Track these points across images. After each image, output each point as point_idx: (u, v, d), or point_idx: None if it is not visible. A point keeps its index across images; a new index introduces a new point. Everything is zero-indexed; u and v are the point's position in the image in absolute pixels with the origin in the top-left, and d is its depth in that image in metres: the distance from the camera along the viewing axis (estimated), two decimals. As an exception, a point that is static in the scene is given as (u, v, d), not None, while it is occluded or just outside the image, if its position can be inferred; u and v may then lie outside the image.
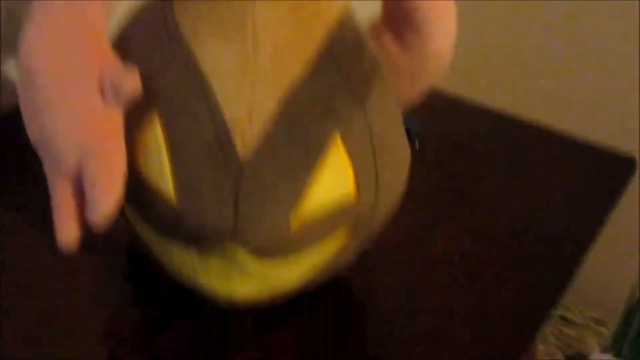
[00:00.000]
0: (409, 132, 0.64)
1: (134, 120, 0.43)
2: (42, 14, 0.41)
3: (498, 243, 0.59)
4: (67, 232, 0.43)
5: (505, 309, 0.53)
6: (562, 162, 0.69)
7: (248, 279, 0.46)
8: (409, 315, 0.52)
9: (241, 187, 0.42)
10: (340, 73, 0.43)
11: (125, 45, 0.44)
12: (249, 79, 0.41)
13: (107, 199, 0.41)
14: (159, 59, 0.42)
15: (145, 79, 0.41)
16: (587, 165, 0.69)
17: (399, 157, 0.48)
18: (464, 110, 0.76)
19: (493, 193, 0.65)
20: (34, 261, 0.53)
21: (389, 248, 0.57)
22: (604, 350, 1.10)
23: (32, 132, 0.43)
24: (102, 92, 0.41)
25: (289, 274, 0.47)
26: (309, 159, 0.42)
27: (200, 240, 0.43)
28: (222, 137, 0.41)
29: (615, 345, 1.07)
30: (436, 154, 0.69)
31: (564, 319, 1.30)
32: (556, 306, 0.55)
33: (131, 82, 0.40)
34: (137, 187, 0.44)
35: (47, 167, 0.43)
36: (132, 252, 0.55)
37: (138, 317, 0.50)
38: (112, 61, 0.41)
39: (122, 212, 0.47)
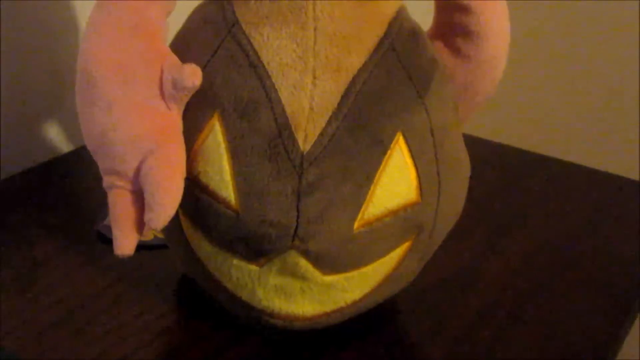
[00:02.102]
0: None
1: (193, 124, 0.42)
2: (101, 16, 0.41)
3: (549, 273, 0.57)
4: (126, 240, 0.41)
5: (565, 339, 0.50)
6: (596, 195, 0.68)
7: (309, 293, 0.44)
8: (472, 342, 0.49)
9: (303, 186, 0.40)
10: (401, 66, 0.42)
11: (184, 44, 0.44)
12: (310, 73, 0.40)
13: (167, 201, 0.40)
14: (219, 56, 0.41)
15: (206, 78, 0.41)
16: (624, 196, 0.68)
17: (459, 164, 0.46)
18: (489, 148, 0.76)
19: (536, 225, 0.63)
20: (75, 292, 0.51)
21: (447, 272, 0.55)
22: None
23: (91, 138, 0.42)
24: (162, 89, 0.40)
25: (350, 288, 0.44)
26: (373, 157, 0.41)
27: (261, 248, 0.41)
28: (284, 133, 0.40)
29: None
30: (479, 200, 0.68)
31: None
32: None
33: (192, 77, 0.40)
34: (195, 194, 0.42)
35: (106, 175, 0.42)
36: (185, 278, 0.53)
37: (190, 347, 0.48)
38: (172, 59, 0.41)
39: (177, 226, 0.45)
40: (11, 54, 0.69)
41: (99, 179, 0.42)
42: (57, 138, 0.76)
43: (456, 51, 0.48)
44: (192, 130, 0.42)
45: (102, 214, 0.59)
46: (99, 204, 0.59)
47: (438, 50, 0.48)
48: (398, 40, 0.42)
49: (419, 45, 0.43)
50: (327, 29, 0.40)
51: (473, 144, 0.52)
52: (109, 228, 0.55)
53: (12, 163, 0.70)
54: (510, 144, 0.77)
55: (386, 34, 0.42)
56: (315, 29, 0.40)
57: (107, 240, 0.56)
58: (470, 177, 0.48)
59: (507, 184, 0.70)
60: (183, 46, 0.43)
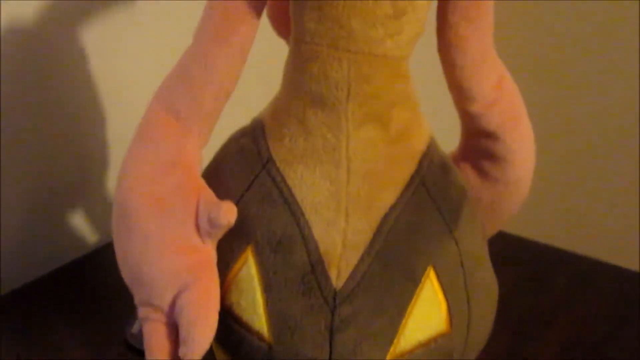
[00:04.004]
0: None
1: (226, 255, 0.43)
2: (139, 149, 0.43)
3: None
4: None
5: None
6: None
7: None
8: None
9: (336, 322, 0.41)
10: (431, 202, 0.43)
11: (218, 175, 0.45)
12: (343, 210, 0.41)
13: (202, 337, 0.40)
14: (253, 191, 0.42)
15: (240, 212, 0.41)
16: None
17: (488, 291, 0.47)
18: (528, 248, 0.76)
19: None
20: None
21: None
22: None
23: (127, 269, 0.43)
24: (198, 225, 0.41)
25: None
26: (405, 293, 0.41)
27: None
28: (317, 269, 0.41)
29: None
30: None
31: None
32: None
33: (227, 215, 0.41)
34: (228, 325, 0.43)
35: (141, 307, 0.43)
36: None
37: None
38: (208, 194, 0.42)
39: (210, 356, 0.45)
40: (38, 142, 0.70)
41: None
42: (84, 230, 0.77)
43: (483, 173, 0.49)
44: (226, 261, 0.43)
45: (132, 318, 0.60)
46: (129, 304, 0.60)
47: (465, 171, 0.49)
48: (428, 175, 0.43)
49: (448, 177, 0.44)
50: (359, 168, 0.41)
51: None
52: (138, 337, 0.56)
53: (36, 264, 0.70)
54: (532, 238, 0.78)
55: (417, 170, 0.43)
56: (348, 169, 0.41)
57: (136, 350, 0.57)
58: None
59: (530, 281, 0.70)
60: (217, 177, 0.44)
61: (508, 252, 0.74)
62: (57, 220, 0.74)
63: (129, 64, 0.76)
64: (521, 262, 0.73)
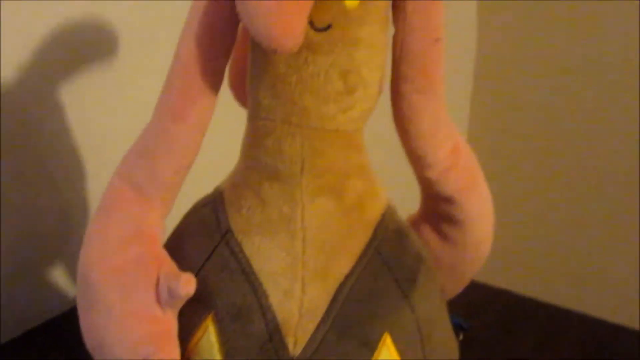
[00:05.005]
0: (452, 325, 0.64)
1: (187, 324, 0.44)
2: (102, 220, 0.44)
3: None
4: None
5: None
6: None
7: None
8: None
9: None
10: (386, 269, 0.44)
11: (179, 246, 0.46)
12: (299, 279, 0.42)
13: (162, 406, 0.41)
14: (213, 261, 0.44)
15: (200, 281, 0.43)
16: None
17: (447, 352, 0.48)
18: (500, 298, 0.77)
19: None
20: None
21: None
22: None
23: (90, 339, 0.43)
24: (158, 295, 0.42)
25: None
26: (360, 358, 0.42)
27: None
28: (275, 338, 0.42)
29: None
30: (481, 345, 0.69)
31: None
32: None
33: (186, 286, 0.42)
34: (189, 392, 0.44)
35: None
36: None
37: None
38: (169, 265, 0.43)
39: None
40: (19, 196, 0.71)
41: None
42: (66, 285, 0.77)
43: (443, 236, 0.50)
44: (187, 329, 0.44)
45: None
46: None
47: (425, 233, 0.50)
48: (383, 243, 0.44)
49: (404, 245, 0.45)
50: (315, 239, 0.43)
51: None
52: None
53: (17, 320, 0.71)
54: (501, 287, 0.78)
55: (372, 239, 0.44)
56: (303, 239, 0.42)
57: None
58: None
59: (501, 330, 0.71)
60: (179, 247, 0.46)
61: (480, 300, 0.75)
62: (38, 274, 0.75)
63: (109, 117, 0.78)
64: (492, 311, 0.74)
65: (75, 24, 0.72)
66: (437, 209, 0.49)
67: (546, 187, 1.29)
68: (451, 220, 0.49)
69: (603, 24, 1.15)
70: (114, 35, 0.76)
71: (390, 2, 0.43)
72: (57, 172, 0.75)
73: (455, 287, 0.53)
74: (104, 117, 0.77)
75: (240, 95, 0.50)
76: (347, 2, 0.40)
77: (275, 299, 0.42)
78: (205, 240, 0.44)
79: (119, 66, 0.77)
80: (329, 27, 0.40)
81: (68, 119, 0.74)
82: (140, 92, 0.78)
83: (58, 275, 0.76)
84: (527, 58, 1.25)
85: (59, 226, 0.76)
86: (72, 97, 0.73)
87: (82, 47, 0.74)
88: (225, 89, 0.46)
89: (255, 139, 0.43)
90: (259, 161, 0.43)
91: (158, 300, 0.42)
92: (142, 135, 0.44)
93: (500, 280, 0.80)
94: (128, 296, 0.42)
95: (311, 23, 0.40)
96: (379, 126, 0.49)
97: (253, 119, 0.43)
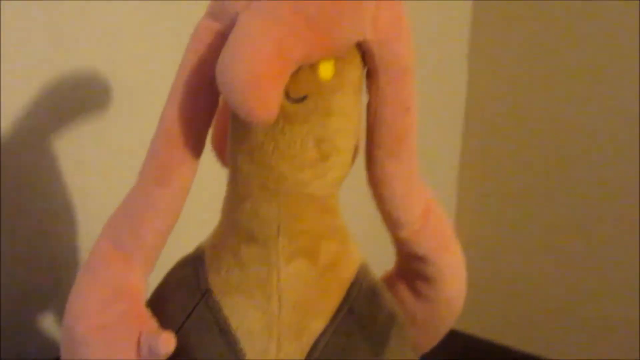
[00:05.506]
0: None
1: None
2: (87, 277, 0.45)
3: None
4: None
5: None
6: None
7: None
8: None
9: None
10: (359, 328, 0.46)
11: (162, 305, 0.48)
12: (275, 338, 0.44)
13: None
14: (192, 320, 0.45)
15: (180, 339, 0.44)
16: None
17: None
18: (477, 347, 0.78)
19: None
20: None
21: None
22: None
23: None
24: (139, 353, 0.44)
25: None
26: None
27: None
28: (251, 396, 0.43)
29: None
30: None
31: None
32: None
33: (165, 345, 0.43)
34: None
35: None
36: None
37: None
38: (150, 323, 0.45)
39: None
40: (9, 247, 0.73)
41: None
42: (55, 334, 0.79)
43: (417, 293, 0.52)
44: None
45: None
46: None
47: (400, 290, 0.52)
48: (357, 303, 0.46)
49: (376, 304, 0.47)
50: (290, 299, 0.44)
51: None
52: None
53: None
54: (487, 338, 0.80)
55: (345, 298, 0.46)
56: (279, 300, 0.44)
57: None
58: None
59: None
60: (160, 305, 0.47)
61: (459, 350, 0.76)
62: (28, 324, 0.77)
63: (97, 173, 0.80)
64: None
65: (71, 76, 0.75)
66: (411, 267, 0.51)
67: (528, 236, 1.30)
68: (425, 278, 0.51)
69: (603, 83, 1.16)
70: (107, 87, 0.78)
71: (364, 71, 0.45)
72: (47, 226, 0.76)
73: (430, 342, 0.54)
74: (92, 172, 0.79)
75: (222, 156, 0.52)
76: (321, 74, 0.42)
77: (251, 357, 0.44)
78: (186, 299, 0.46)
79: (105, 124, 0.79)
80: (304, 98, 0.42)
81: (57, 172, 0.76)
82: (127, 149, 0.80)
83: (44, 326, 0.78)
84: (519, 107, 1.26)
85: (48, 277, 0.77)
86: (60, 152, 0.75)
87: (76, 98, 0.76)
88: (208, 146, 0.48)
89: (234, 202, 0.45)
90: (237, 224, 0.45)
91: (139, 357, 0.44)
92: (127, 197, 0.46)
93: (478, 329, 0.81)
94: (111, 353, 0.44)
95: (287, 94, 0.42)
96: (356, 187, 0.51)
97: (232, 182, 0.45)
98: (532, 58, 1.22)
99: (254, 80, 0.38)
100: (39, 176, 0.74)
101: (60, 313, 0.77)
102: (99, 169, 0.79)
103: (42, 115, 0.73)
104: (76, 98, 0.76)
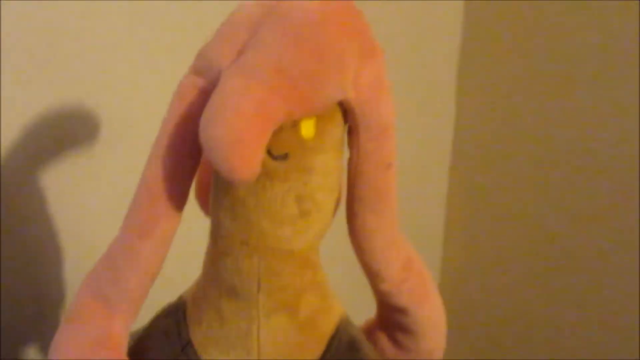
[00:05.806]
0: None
1: None
2: (68, 330, 0.46)
3: None
4: None
5: None
6: None
7: None
8: None
9: None
10: (338, 381, 0.46)
11: (142, 352, 0.48)
12: (255, 391, 0.44)
13: None
14: (172, 373, 0.46)
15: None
16: None
17: None
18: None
19: None
20: None
21: None
22: None
23: None
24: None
25: None
26: None
27: None
28: None
29: None
30: None
31: None
32: None
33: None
34: None
35: None
36: None
37: None
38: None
39: None
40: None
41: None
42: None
43: (397, 343, 0.53)
44: None
45: None
46: None
47: (381, 340, 0.53)
48: (336, 356, 0.46)
49: (356, 356, 0.48)
50: (270, 353, 0.45)
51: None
52: None
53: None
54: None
55: (325, 352, 0.46)
56: (259, 353, 0.45)
57: None
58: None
59: None
60: (141, 355, 0.48)
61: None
62: (11, 357, 0.76)
63: (87, 205, 0.80)
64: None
65: (59, 114, 0.75)
66: (392, 318, 0.52)
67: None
68: (404, 329, 0.52)
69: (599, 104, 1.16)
70: (94, 124, 0.79)
71: (345, 128, 0.46)
72: (33, 258, 0.77)
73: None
74: (82, 204, 0.79)
75: (206, 206, 0.52)
76: (303, 132, 0.43)
77: None
78: (167, 351, 0.46)
79: (97, 157, 0.79)
80: (286, 155, 0.43)
81: (46, 206, 0.76)
82: (119, 182, 0.81)
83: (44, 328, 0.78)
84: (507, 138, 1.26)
85: (34, 311, 0.77)
86: (51, 183, 0.75)
87: (64, 136, 0.76)
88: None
89: (216, 256, 0.46)
90: (218, 277, 0.45)
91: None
92: (109, 248, 0.46)
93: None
94: None
95: (269, 152, 0.43)
96: (338, 236, 0.52)
97: (214, 236, 0.46)
98: (524, 69, 1.22)
99: (235, 139, 0.39)
100: (26, 209, 0.75)
101: (44, 349, 0.77)
102: (88, 201, 0.80)
103: (33, 150, 0.73)
104: (68, 134, 0.77)
